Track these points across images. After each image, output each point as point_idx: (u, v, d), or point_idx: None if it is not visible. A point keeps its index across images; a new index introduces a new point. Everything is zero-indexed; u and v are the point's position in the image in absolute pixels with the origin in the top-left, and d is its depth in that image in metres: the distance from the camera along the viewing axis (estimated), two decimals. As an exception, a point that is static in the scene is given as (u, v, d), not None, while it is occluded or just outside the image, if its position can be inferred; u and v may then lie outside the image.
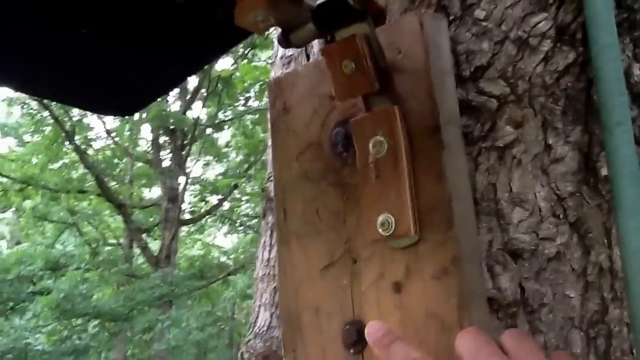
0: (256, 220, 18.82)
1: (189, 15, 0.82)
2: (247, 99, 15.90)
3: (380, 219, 0.76)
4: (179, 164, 14.64)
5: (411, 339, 0.73)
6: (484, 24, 0.84)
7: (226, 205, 17.19)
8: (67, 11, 0.79)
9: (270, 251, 4.69)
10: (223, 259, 18.59)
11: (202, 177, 17.53)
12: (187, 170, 15.47)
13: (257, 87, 13.91)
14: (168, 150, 15.36)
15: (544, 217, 0.80)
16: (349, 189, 0.83)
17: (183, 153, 14.92)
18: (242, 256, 18.47)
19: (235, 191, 16.44)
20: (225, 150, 17.71)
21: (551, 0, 0.82)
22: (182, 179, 14.72)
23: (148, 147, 16.13)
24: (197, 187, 16.99)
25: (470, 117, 0.83)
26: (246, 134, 16.10)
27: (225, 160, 17.89)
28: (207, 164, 18.39)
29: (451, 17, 0.87)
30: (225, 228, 19.90)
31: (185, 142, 14.97)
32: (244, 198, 17.68)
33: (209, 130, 16.45)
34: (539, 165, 0.81)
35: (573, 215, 0.80)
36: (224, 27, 0.86)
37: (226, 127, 16.52)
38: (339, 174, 0.85)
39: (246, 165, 16.30)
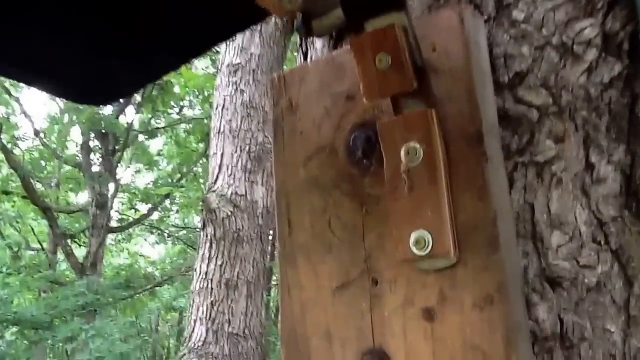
0: (185, 231, 18.41)
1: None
2: (181, 108, 15.59)
3: (414, 236, 0.66)
4: (109, 170, 14.13)
5: (446, 374, 0.64)
6: (523, 26, 0.76)
7: (155, 215, 16.75)
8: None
9: (208, 264, 4.55)
10: (150, 269, 18.04)
11: (132, 185, 17.03)
12: (118, 177, 14.97)
13: (193, 95, 13.65)
14: (98, 155, 14.82)
15: (584, 242, 0.72)
16: (369, 201, 0.73)
17: (114, 158, 14.43)
18: (169, 267, 17.99)
19: (166, 201, 16.05)
20: (156, 158, 17.28)
21: (599, 5, 0.75)
22: (111, 185, 14.22)
23: (77, 151, 15.52)
24: (126, 194, 16.48)
25: (506, 129, 0.75)
26: (179, 143, 15.76)
27: (156, 168, 17.45)
28: (137, 172, 17.89)
29: (485, 17, 0.79)
30: (153, 238, 19.39)
31: (117, 147, 14.49)
32: (174, 208, 17.27)
33: (141, 137, 16.01)
34: (580, 186, 0.74)
35: (615, 242, 0.73)
36: (229, 10, 0.75)
37: (159, 134, 16.14)
38: (356, 183, 0.75)
39: (178, 175, 15.94)
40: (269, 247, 4.67)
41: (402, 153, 0.68)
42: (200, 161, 14.81)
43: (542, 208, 0.73)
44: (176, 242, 18.93)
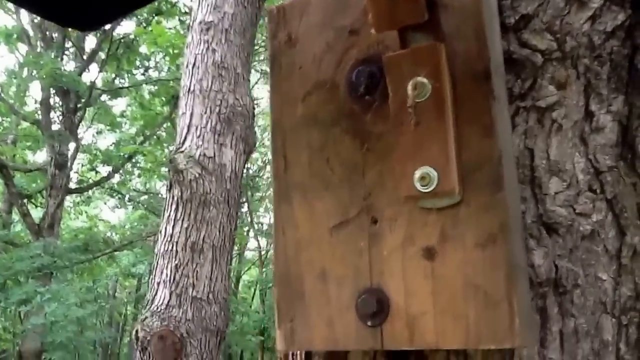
0: (146, 196, 18.17)
1: None
2: (146, 69, 15.26)
3: (419, 172, 0.65)
4: (70, 129, 13.80)
5: (445, 311, 0.63)
6: (531, -32, 0.75)
7: (116, 178, 16.48)
8: None
9: (173, 227, 4.48)
10: (109, 233, 17.80)
11: (93, 145, 16.67)
12: (79, 137, 14.64)
13: (160, 55, 13.37)
14: (59, 113, 14.43)
15: (581, 190, 0.72)
16: (370, 138, 0.72)
17: (75, 117, 14.08)
18: (129, 232, 17.78)
19: (128, 164, 15.79)
20: (119, 119, 16.95)
21: (608, -49, 0.74)
22: (72, 145, 13.90)
23: (37, 107, 15.09)
24: (87, 155, 16.14)
25: (509, 72, 0.74)
26: (143, 105, 15.46)
27: (118, 130, 17.12)
28: (99, 132, 17.54)
29: (494, -43, 0.77)
30: (113, 202, 19.12)
31: (79, 106, 14.14)
32: (136, 172, 17.02)
33: (104, 97, 15.65)
34: (579, 134, 0.73)
35: (610, 191, 0.73)
36: None
37: (123, 95, 15.79)
38: (358, 120, 0.73)
39: (141, 138, 15.67)
40: (236, 213, 4.60)
41: (409, 88, 0.67)
42: (165, 125, 14.57)
43: (541, 154, 0.73)
44: (137, 207, 18.69)
